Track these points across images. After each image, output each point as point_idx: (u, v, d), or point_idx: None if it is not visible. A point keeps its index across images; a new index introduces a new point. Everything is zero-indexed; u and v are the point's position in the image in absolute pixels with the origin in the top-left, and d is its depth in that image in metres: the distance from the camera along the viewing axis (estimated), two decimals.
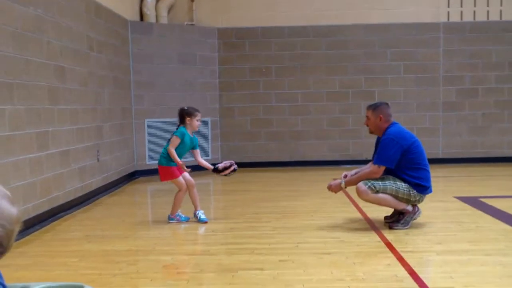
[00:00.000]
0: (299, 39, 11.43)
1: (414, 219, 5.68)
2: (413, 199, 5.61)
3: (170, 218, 6.19)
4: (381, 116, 5.73)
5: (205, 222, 6.09)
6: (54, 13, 6.67)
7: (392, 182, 5.55)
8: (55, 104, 6.66)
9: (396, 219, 5.70)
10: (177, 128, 6.11)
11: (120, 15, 9.46)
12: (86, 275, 4.29)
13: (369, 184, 5.52)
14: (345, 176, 5.87)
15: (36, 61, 6.16)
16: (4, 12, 5.48)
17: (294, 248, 4.98)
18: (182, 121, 6.11)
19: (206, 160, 10.94)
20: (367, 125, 5.88)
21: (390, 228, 5.61)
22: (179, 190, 6.15)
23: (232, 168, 6.15)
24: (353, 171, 5.96)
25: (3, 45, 5.44)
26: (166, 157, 6.02)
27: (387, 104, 5.89)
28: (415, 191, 5.57)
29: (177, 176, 6.08)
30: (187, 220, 6.20)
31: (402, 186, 5.54)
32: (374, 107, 5.80)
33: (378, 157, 5.61)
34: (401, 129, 5.75)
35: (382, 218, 6.02)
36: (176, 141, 6.00)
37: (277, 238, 5.36)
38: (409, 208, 5.63)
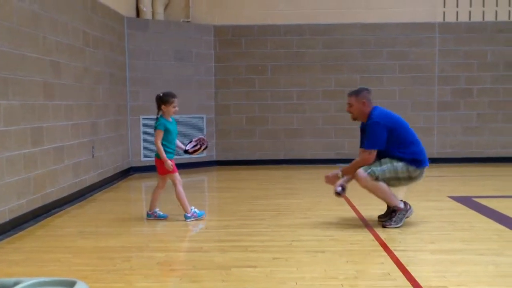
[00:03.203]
0: (295, 37, 11.43)
1: (407, 217, 5.71)
2: (414, 175, 5.67)
3: (187, 217, 6.07)
4: (364, 101, 5.77)
5: (165, 218, 6.16)
6: (50, 9, 6.65)
7: (389, 164, 5.60)
8: (50, 99, 6.65)
9: (389, 217, 5.72)
10: (156, 118, 6.05)
11: (116, 11, 9.44)
12: (79, 271, 4.29)
13: (369, 170, 5.56)
14: (344, 189, 5.90)
15: (32, 56, 6.14)
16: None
17: (288, 246, 4.99)
18: (159, 108, 6.06)
19: (202, 158, 11.02)
20: (350, 112, 5.88)
21: (384, 227, 5.63)
22: (175, 185, 6.08)
23: (202, 148, 6.18)
24: (346, 181, 5.99)
25: None
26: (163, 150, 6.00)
27: (367, 89, 5.92)
28: (413, 166, 5.62)
29: (175, 171, 6.05)
30: (202, 215, 6.15)
31: (399, 165, 5.60)
32: (357, 93, 5.82)
33: (367, 142, 5.65)
34: (383, 110, 5.79)
35: (376, 217, 6.04)
36: (160, 134, 5.97)
37: (271, 236, 5.37)
38: (401, 205, 5.67)
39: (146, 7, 10.68)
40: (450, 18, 11.36)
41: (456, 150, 11.45)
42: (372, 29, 11.35)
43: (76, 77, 7.52)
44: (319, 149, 11.55)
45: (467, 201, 7.00)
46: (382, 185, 5.61)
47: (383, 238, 5.18)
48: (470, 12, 11.42)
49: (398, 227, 5.61)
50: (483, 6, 11.40)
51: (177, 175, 6.11)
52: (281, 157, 11.58)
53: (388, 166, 5.61)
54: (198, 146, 6.19)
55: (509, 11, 11.40)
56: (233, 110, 11.50)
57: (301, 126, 11.54)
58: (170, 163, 5.96)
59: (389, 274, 4.14)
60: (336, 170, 5.83)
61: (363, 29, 11.39)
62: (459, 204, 6.89)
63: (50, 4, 6.68)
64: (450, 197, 7.42)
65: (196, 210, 6.15)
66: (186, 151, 6.20)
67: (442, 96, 11.41)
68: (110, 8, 9.08)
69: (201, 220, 6.11)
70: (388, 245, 4.94)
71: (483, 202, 6.95)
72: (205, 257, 4.67)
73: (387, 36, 11.35)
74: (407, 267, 4.26)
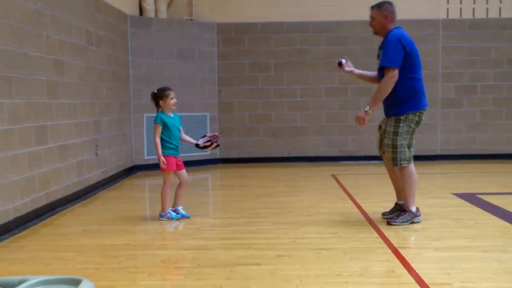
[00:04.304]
0: (298, 34, 11.42)
1: (413, 222, 5.65)
2: (413, 123, 5.62)
3: (160, 216, 6.08)
4: (386, 14, 5.66)
5: (188, 217, 6.09)
6: (53, 7, 6.66)
7: (394, 137, 5.55)
8: (54, 98, 6.65)
9: (396, 215, 5.70)
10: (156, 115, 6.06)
11: (119, 9, 9.45)
12: (83, 269, 4.30)
13: (398, 163, 5.54)
14: (344, 65, 5.92)
15: (35, 55, 6.15)
16: (3, 6, 5.47)
17: (292, 244, 4.99)
18: (157, 105, 6.03)
19: (205, 155, 11.03)
20: (372, 26, 5.79)
21: (389, 223, 5.61)
22: (164, 184, 6.05)
23: (214, 145, 6.16)
24: (357, 70, 6.06)
25: (2, 39, 5.43)
26: (163, 146, 5.98)
27: (390, 2, 5.77)
28: (411, 111, 5.58)
29: (171, 169, 5.98)
30: (178, 218, 6.07)
31: (400, 127, 5.56)
32: (379, 5, 5.70)
33: (385, 59, 5.48)
34: (404, 32, 5.64)
35: (380, 213, 6.03)
36: (158, 129, 5.93)
37: (275, 234, 5.37)
38: (413, 209, 5.64)
39: (149, 5, 10.67)
40: (454, 15, 11.33)
41: (460, 147, 11.42)
42: None
43: (79, 75, 7.53)
44: (323, 146, 11.54)
45: (471, 198, 6.99)
46: (414, 179, 5.59)
47: (387, 236, 5.17)
48: (473, 9, 11.39)
49: (402, 225, 5.59)
50: (487, 3, 11.36)
51: (170, 176, 6.04)
52: (285, 154, 11.57)
53: (397, 140, 5.53)
54: (210, 142, 6.16)
55: None
56: (236, 108, 11.50)
57: (305, 124, 11.53)
58: (163, 160, 5.92)
59: (393, 271, 4.13)
60: (361, 110, 5.61)
61: (366, 26, 11.27)
62: (463, 201, 6.88)
63: (54, 2, 6.68)
64: (454, 194, 7.41)
65: (173, 213, 6.08)
66: (197, 145, 6.17)
67: (446, 93, 11.38)
68: (113, 7, 9.08)
69: (176, 220, 6.05)
70: (393, 242, 4.94)
71: (487, 199, 6.94)
72: (209, 255, 4.68)
73: None
74: (412, 264, 4.26)
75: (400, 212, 5.71)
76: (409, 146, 5.66)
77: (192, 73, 10.92)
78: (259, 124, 11.54)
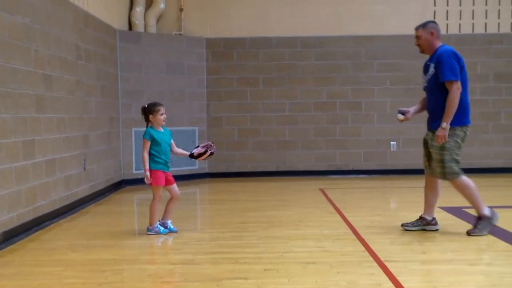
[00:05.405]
0: (287, 49, 11.50)
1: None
2: (459, 138, 5.66)
3: (148, 230, 6.07)
4: (432, 31, 5.83)
5: (176, 232, 6.06)
6: (42, 22, 6.68)
7: (441, 152, 5.62)
8: (42, 112, 6.65)
9: (474, 225, 5.76)
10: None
11: (108, 24, 9.48)
12: (70, 284, 4.29)
13: (447, 177, 5.63)
14: (405, 113, 5.97)
15: (24, 69, 6.15)
16: None
17: (279, 257, 5.00)
18: (147, 119, 6.04)
19: (193, 170, 11.03)
20: (418, 45, 5.93)
21: (468, 234, 5.68)
22: (153, 199, 6.04)
23: (208, 153, 6.12)
24: (411, 109, 6.05)
25: None
26: (152, 161, 5.98)
27: (434, 21, 6.02)
28: (456, 127, 5.62)
29: (159, 183, 5.98)
30: (166, 232, 6.06)
31: (447, 143, 5.60)
32: (424, 25, 5.90)
33: (448, 73, 5.57)
34: (452, 48, 5.81)
35: (367, 227, 6.07)
36: (146, 144, 5.93)
37: (262, 248, 5.38)
38: (486, 211, 5.71)
39: (138, 20, 10.73)
40: (440, 31, 11.43)
41: None
42: (363, 42, 11.44)
43: (68, 90, 7.53)
44: (311, 160, 11.59)
45: (457, 212, 7.04)
46: (472, 186, 5.67)
47: (373, 249, 5.20)
48: (460, 25, 11.54)
49: (483, 235, 5.62)
50: (473, 18, 11.52)
51: (159, 190, 6.04)
52: (273, 168, 11.60)
53: (444, 154, 5.61)
54: (204, 150, 6.15)
55: (499, 23, 11.53)
56: (225, 122, 11.53)
57: (293, 138, 11.58)
58: (148, 175, 5.91)
59: (379, 284, 4.15)
60: (439, 129, 5.63)
61: (355, 41, 11.47)
62: (449, 215, 6.93)
63: (42, 17, 6.70)
64: (441, 207, 7.44)
65: (161, 228, 6.07)
66: (191, 155, 6.16)
67: None
68: (102, 21, 9.12)
69: (163, 235, 6.05)
70: (379, 256, 4.96)
71: (473, 212, 6.96)
72: (196, 269, 4.68)
73: (378, 48, 11.44)
74: (398, 278, 4.28)
75: (476, 221, 5.76)
76: (457, 162, 5.70)
77: (181, 88, 10.96)
78: (248, 139, 11.57)
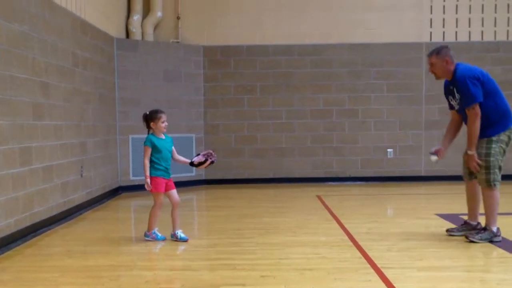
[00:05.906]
0: (284, 57, 11.54)
1: (492, 241, 5.69)
2: (503, 144, 5.69)
3: (146, 235, 6.11)
4: (447, 59, 5.82)
5: (186, 241, 6.03)
6: (39, 30, 6.70)
7: (487, 158, 5.65)
8: (39, 119, 6.66)
9: (476, 232, 5.77)
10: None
11: (106, 32, 9.51)
12: None
13: (492, 183, 5.63)
14: (436, 152, 6.01)
15: (21, 77, 6.17)
16: None
17: (276, 264, 5.00)
18: (148, 126, 6.06)
19: (190, 176, 11.03)
20: (433, 72, 5.92)
21: (467, 238, 5.71)
22: (154, 205, 6.07)
23: (208, 162, 6.12)
24: (443, 146, 6.09)
25: None
26: (152, 167, 6.00)
27: (447, 46, 5.96)
28: (501, 129, 5.66)
29: (159, 190, 6.00)
30: (163, 239, 6.08)
31: (492, 147, 5.64)
32: (438, 52, 5.86)
33: (467, 101, 5.63)
34: (467, 65, 5.83)
35: (364, 234, 6.07)
36: (147, 151, 5.95)
37: (260, 254, 5.38)
38: (495, 229, 5.71)
39: (135, 28, 10.76)
40: (437, 38, 11.51)
41: (444, 168, 11.51)
42: (359, 49, 11.48)
43: (65, 97, 7.55)
44: (308, 167, 11.61)
45: (454, 219, 7.05)
46: (498, 200, 5.68)
47: (370, 256, 5.20)
48: (456, 33, 11.59)
49: (480, 242, 5.64)
50: (469, 26, 11.58)
51: (160, 197, 6.05)
52: (270, 176, 11.61)
53: (490, 161, 5.63)
54: (204, 159, 6.15)
55: (495, 32, 11.59)
56: (222, 129, 11.55)
57: (290, 145, 11.60)
58: (149, 182, 5.93)
59: None
60: (469, 152, 5.73)
61: (351, 49, 11.52)
62: (446, 222, 6.94)
63: (40, 25, 6.73)
64: (438, 214, 7.47)
65: (158, 234, 6.10)
66: (191, 163, 6.17)
67: (430, 115, 11.52)
68: (99, 29, 9.14)
69: (161, 241, 6.07)
70: (376, 262, 4.97)
71: (468, 218, 6.98)
72: (193, 276, 4.68)
73: (374, 56, 11.49)
74: (395, 284, 4.29)
75: (480, 230, 5.78)
76: (500, 168, 5.73)
77: (178, 95, 10.98)
78: (245, 146, 11.59)
